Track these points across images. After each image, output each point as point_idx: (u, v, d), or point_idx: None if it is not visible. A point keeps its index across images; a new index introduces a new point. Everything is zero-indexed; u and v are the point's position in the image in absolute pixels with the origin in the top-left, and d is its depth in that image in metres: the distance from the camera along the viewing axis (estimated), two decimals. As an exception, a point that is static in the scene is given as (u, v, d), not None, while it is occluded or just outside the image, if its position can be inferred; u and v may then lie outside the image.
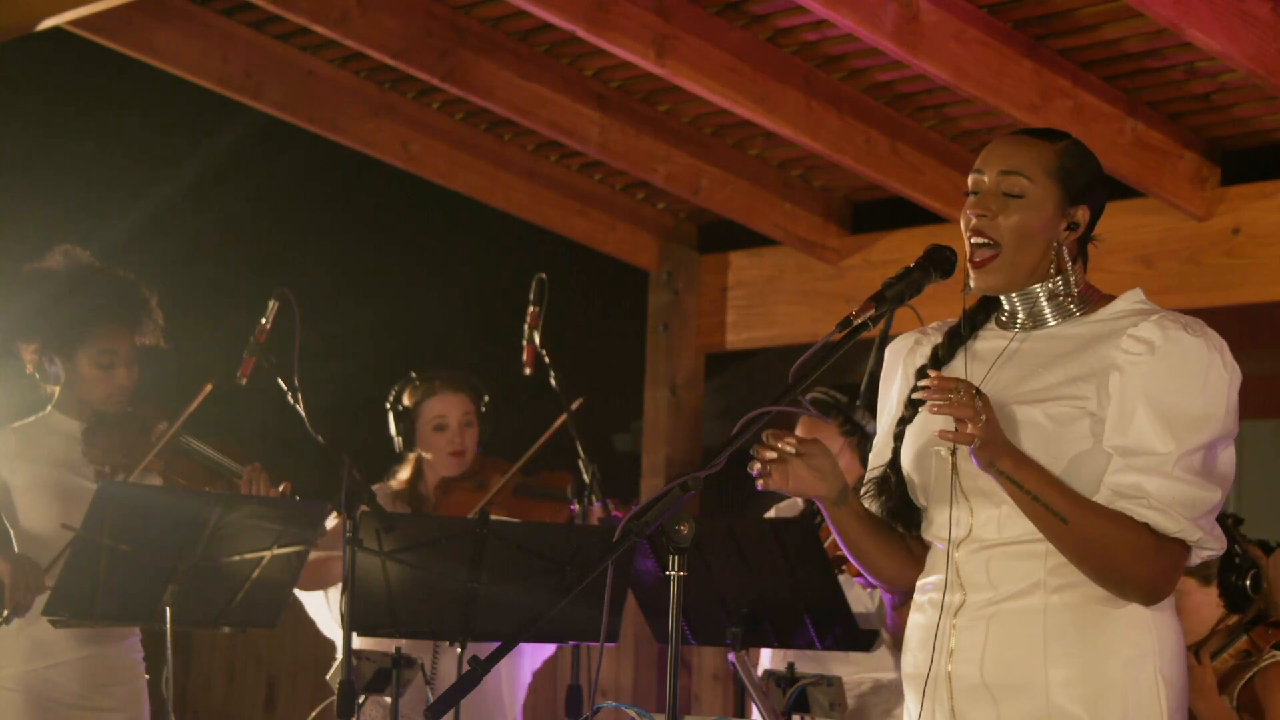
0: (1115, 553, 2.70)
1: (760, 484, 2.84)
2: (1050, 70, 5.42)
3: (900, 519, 2.94)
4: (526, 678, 5.13)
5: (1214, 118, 5.78)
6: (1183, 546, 2.74)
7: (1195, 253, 6.02)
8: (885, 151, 6.09)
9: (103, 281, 4.66)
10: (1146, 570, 2.72)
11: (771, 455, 2.82)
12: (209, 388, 4.51)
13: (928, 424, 2.85)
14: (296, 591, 4.93)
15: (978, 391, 2.67)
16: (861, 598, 4.67)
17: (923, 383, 2.72)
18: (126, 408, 4.63)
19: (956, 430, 2.67)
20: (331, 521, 4.51)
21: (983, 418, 2.66)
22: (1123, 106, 5.64)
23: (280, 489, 4.49)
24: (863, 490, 2.99)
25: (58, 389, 4.63)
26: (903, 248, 6.67)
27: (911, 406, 2.92)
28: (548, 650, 5.27)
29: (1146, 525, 2.71)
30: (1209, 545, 2.76)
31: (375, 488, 5.02)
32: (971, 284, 2.87)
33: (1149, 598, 2.75)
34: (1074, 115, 5.46)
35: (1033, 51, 5.37)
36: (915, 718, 2.86)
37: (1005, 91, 5.32)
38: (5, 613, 4.29)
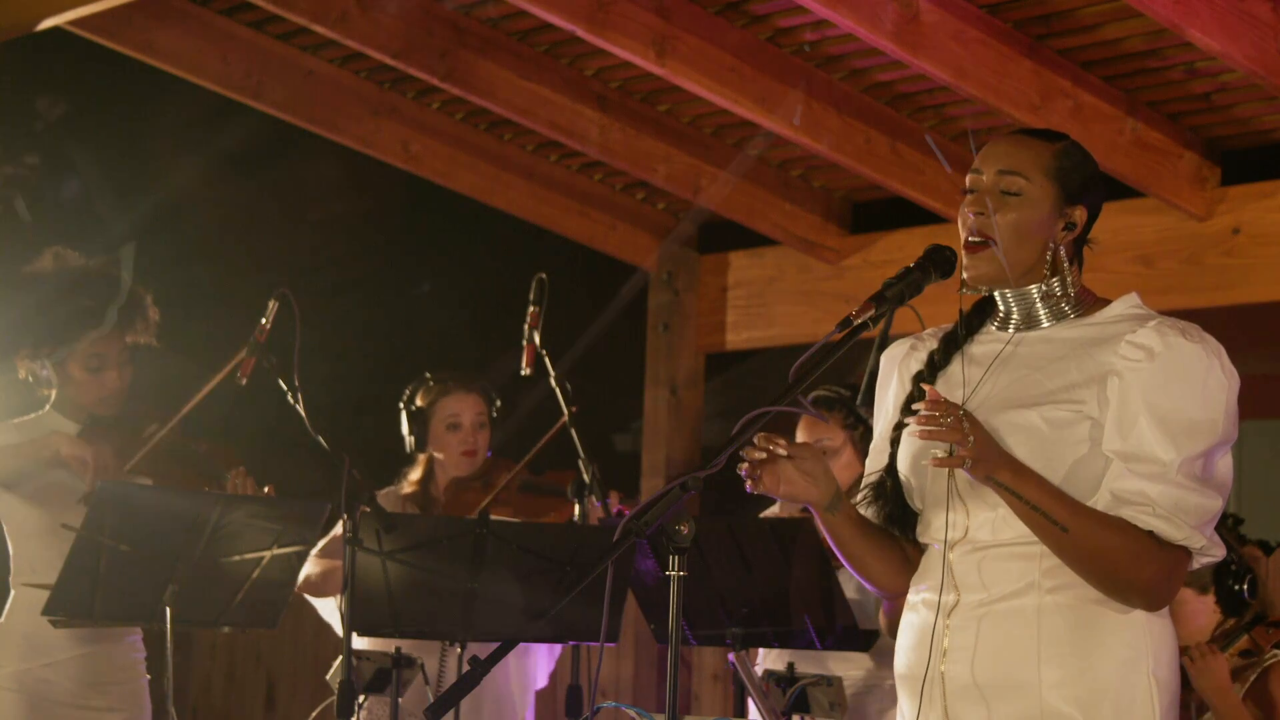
0: (1116, 560, 2.70)
1: (749, 486, 2.83)
2: (1050, 70, 5.41)
3: (896, 523, 2.93)
4: (541, 679, 5.13)
5: (1214, 118, 5.78)
6: (1184, 553, 2.74)
7: (1195, 253, 6.01)
8: (885, 151, 6.09)
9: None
10: (1148, 577, 2.71)
11: (760, 455, 2.81)
12: (189, 408, 4.52)
13: None
14: (309, 598, 4.93)
15: (965, 412, 2.67)
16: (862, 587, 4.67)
17: (915, 405, 2.72)
18: (122, 410, 4.62)
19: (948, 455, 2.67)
20: (339, 529, 4.50)
21: (970, 439, 2.66)
22: (1123, 106, 5.64)
23: (265, 492, 4.47)
24: (859, 495, 2.98)
25: (53, 392, 4.61)
26: (903, 248, 6.67)
27: (908, 413, 2.91)
28: (560, 650, 5.26)
29: (1149, 532, 2.70)
30: (1210, 552, 2.76)
31: (385, 492, 5.03)
32: (965, 274, 2.86)
33: (1151, 604, 2.75)
34: (1074, 115, 5.46)
35: (1033, 51, 5.37)
36: (909, 717, 2.86)
37: (1005, 91, 5.32)
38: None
